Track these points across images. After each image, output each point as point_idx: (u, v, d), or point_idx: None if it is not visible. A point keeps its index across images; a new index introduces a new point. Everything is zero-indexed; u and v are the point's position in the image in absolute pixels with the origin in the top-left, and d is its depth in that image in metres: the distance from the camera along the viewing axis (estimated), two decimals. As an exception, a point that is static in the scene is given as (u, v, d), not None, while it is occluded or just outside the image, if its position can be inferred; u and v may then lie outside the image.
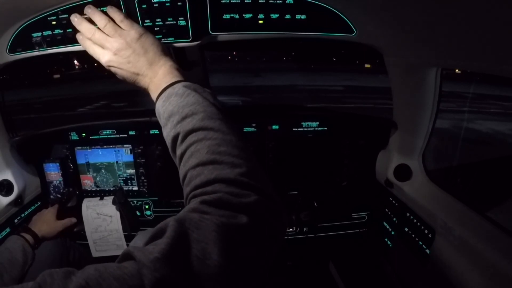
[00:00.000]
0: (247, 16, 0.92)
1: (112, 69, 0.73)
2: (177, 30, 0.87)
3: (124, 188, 1.50)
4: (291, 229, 1.59)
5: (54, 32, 0.86)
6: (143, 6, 0.82)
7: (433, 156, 4.52)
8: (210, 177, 0.50)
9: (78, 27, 0.73)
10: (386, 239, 1.49)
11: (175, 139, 0.60)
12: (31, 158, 1.43)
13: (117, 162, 1.48)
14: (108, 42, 0.70)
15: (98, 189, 1.52)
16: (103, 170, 1.49)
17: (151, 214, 1.57)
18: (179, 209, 1.52)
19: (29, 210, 1.38)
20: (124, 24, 0.72)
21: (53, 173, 1.46)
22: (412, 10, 0.79)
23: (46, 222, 1.21)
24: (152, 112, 0.70)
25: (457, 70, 1.00)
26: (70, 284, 0.35)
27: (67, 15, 0.83)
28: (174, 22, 0.85)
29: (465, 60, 0.82)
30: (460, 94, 10.39)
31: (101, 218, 1.34)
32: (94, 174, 1.50)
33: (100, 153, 1.47)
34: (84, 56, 0.77)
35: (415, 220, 1.25)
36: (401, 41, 0.99)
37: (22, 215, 1.33)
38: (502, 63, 0.71)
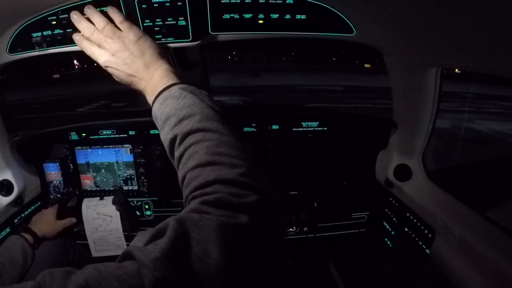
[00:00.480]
0: (247, 16, 0.92)
1: (109, 70, 0.73)
2: (177, 30, 0.87)
3: (124, 188, 1.50)
4: (291, 229, 1.59)
5: (54, 32, 0.86)
6: (143, 6, 0.82)
7: (433, 156, 4.52)
8: (209, 178, 0.50)
9: (77, 25, 0.73)
10: (386, 239, 1.49)
11: (172, 141, 0.60)
12: (31, 158, 1.43)
13: (117, 162, 1.48)
14: (106, 43, 0.71)
15: (98, 189, 1.52)
16: (103, 170, 1.49)
17: (151, 214, 1.57)
18: (179, 209, 1.52)
19: (29, 210, 1.38)
20: (123, 26, 0.72)
21: (53, 173, 1.46)
22: (412, 10, 0.79)
23: (46, 222, 1.21)
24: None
25: (457, 70, 1.00)
26: (70, 283, 0.35)
27: (67, 15, 0.83)
28: (174, 22, 0.85)
29: (465, 60, 0.82)
30: (460, 94, 10.39)
31: (101, 218, 1.34)
32: (94, 174, 1.50)
33: (100, 153, 1.47)
34: (84, 56, 0.77)
35: (415, 220, 1.25)
36: (401, 41, 0.99)
37: (22, 215, 1.33)
38: (502, 63, 0.71)
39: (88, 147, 1.47)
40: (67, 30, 0.85)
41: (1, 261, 0.97)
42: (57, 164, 1.45)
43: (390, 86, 1.24)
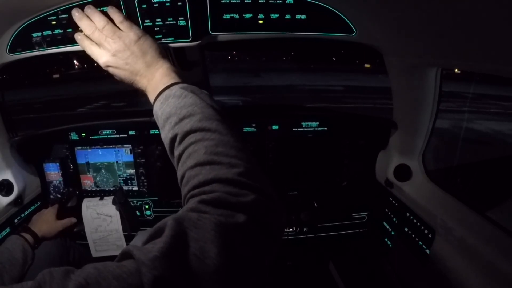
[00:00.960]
0: (247, 16, 0.92)
1: (110, 70, 0.73)
2: (177, 30, 0.87)
3: (124, 188, 1.50)
4: (291, 229, 1.59)
5: (54, 32, 0.86)
6: (143, 6, 0.82)
7: (433, 156, 4.52)
8: (208, 177, 0.50)
9: (78, 23, 0.74)
10: (386, 239, 1.49)
11: (173, 140, 0.60)
12: (31, 158, 1.43)
13: (117, 162, 1.49)
14: (107, 42, 0.71)
15: (98, 189, 1.52)
16: (103, 170, 1.50)
17: (151, 214, 1.57)
18: (179, 209, 1.52)
19: (29, 210, 1.38)
20: (124, 25, 0.72)
21: (53, 173, 1.47)
22: (412, 10, 0.79)
23: (46, 222, 1.21)
24: (152, 112, 0.71)
25: (457, 70, 1.00)
26: (70, 282, 0.35)
27: (67, 15, 0.83)
28: (174, 22, 0.85)
29: (465, 60, 0.82)
30: (460, 94, 10.39)
31: (101, 218, 1.34)
32: (94, 174, 1.50)
33: (100, 153, 1.47)
34: (84, 56, 0.77)
35: (415, 220, 1.25)
36: (401, 41, 0.99)
37: (22, 215, 1.33)
38: (502, 63, 0.71)
39: (88, 147, 1.47)
40: (67, 30, 0.85)
41: (1, 261, 0.97)
42: (57, 164, 1.45)
43: (390, 86, 1.24)
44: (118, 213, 1.33)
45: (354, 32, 0.99)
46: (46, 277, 0.37)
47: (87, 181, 1.51)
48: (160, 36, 0.87)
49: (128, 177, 1.51)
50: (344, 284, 1.47)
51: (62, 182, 1.47)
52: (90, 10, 0.73)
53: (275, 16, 0.92)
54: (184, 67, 1.09)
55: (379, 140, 1.46)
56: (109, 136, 1.44)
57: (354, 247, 1.67)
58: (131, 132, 1.44)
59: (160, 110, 0.65)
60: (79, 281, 0.35)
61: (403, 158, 1.33)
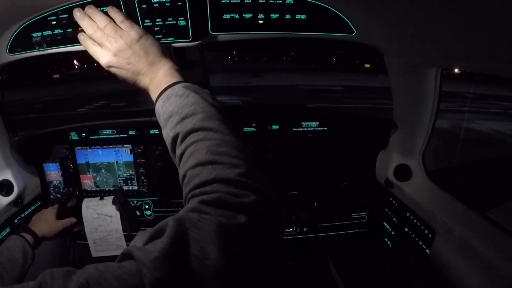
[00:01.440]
0: (247, 16, 0.92)
1: (112, 70, 0.73)
2: (177, 30, 0.87)
3: (124, 188, 1.50)
4: (291, 229, 1.59)
5: (54, 32, 0.86)
6: (143, 6, 0.82)
7: (433, 156, 4.52)
8: (209, 177, 0.50)
9: (80, 23, 0.74)
10: (386, 239, 1.50)
11: (174, 139, 0.60)
12: (31, 158, 1.43)
13: (117, 162, 1.49)
14: (108, 41, 0.71)
15: (98, 189, 1.52)
16: (103, 170, 1.49)
17: (151, 214, 1.57)
18: (179, 209, 1.52)
19: (29, 210, 1.38)
20: (124, 25, 0.72)
21: (53, 173, 1.47)
22: (412, 10, 0.79)
23: (46, 222, 1.21)
24: (152, 112, 0.71)
25: (457, 70, 1.00)
26: (71, 283, 0.35)
27: (67, 15, 0.83)
28: (174, 22, 0.85)
29: (465, 60, 0.82)
30: (460, 94, 10.39)
31: (101, 218, 1.34)
32: (94, 174, 1.50)
33: (100, 153, 1.47)
34: (84, 56, 0.77)
35: (415, 220, 1.25)
36: (401, 41, 0.99)
37: (22, 215, 1.33)
38: (502, 63, 0.71)
39: (88, 147, 1.47)
40: (67, 30, 0.85)
41: (1, 261, 0.97)
42: (57, 164, 1.45)
43: (390, 86, 1.24)
44: (118, 213, 1.33)
45: (354, 32, 0.99)
46: (47, 277, 0.37)
47: (87, 181, 1.51)
48: (160, 36, 0.87)
49: (128, 177, 1.51)
50: (344, 284, 1.47)
51: (62, 182, 1.47)
52: (91, 10, 0.73)
53: (275, 16, 0.92)
54: (184, 67, 1.09)
55: (379, 140, 1.46)
56: (109, 136, 1.44)
57: (354, 247, 1.67)
58: (131, 132, 1.44)
59: (162, 109, 0.65)
60: (80, 282, 0.35)
61: (403, 158, 1.33)
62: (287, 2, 0.91)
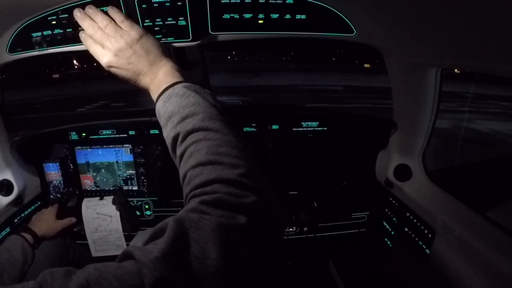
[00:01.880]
0: (247, 16, 0.92)
1: (112, 70, 0.73)
2: (177, 30, 0.87)
3: (124, 188, 1.50)
4: (291, 229, 1.59)
5: (54, 32, 0.86)
6: (143, 6, 0.82)
7: (433, 156, 4.51)
8: (209, 177, 0.50)
9: (80, 23, 0.74)
10: (386, 239, 1.50)
11: (175, 139, 0.60)
12: (31, 158, 1.43)
13: (117, 162, 1.49)
14: (109, 41, 0.71)
15: (98, 189, 1.52)
16: (103, 170, 1.49)
17: (151, 214, 1.57)
18: (179, 209, 1.52)
19: (29, 210, 1.38)
20: (125, 24, 0.72)
21: (53, 173, 1.47)
22: (412, 10, 0.79)
23: (46, 222, 1.21)
24: (152, 112, 0.71)
25: (457, 70, 1.00)
26: (71, 283, 0.35)
27: (67, 15, 0.83)
28: (174, 22, 0.85)
29: (465, 60, 0.82)
30: (460, 94, 10.39)
31: (101, 218, 1.34)
32: (94, 174, 1.50)
33: (100, 153, 1.47)
34: (84, 56, 0.77)
35: (415, 220, 1.25)
36: (401, 41, 0.99)
37: (22, 215, 1.33)
38: (502, 63, 0.71)
39: (88, 147, 1.47)
40: (67, 30, 0.85)
41: (1, 261, 0.97)
42: (57, 164, 1.45)
43: (390, 86, 1.24)
44: (118, 213, 1.33)
45: (354, 32, 0.99)
46: (47, 277, 0.37)
47: (87, 181, 1.51)
48: (160, 36, 0.87)
49: (128, 177, 1.51)
50: (344, 284, 1.48)
51: (62, 182, 1.47)
52: (91, 10, 0.73)
53: (275, 16, 0.92)
54: (184, 67, 1.09)
55: (379, 140, 1.46)
56: (109, 136, 1.44)
57: (354, 247, 1.67)
58: (131, 132, 1.44)
59: (162, 109, 0.65)
60: (80, 282, 0.35)
61: (403, 158, 1.33)
62: (287, 2, 0.91)
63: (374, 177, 1.53)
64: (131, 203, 1.53)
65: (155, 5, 0.82)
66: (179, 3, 0.83)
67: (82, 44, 0.76)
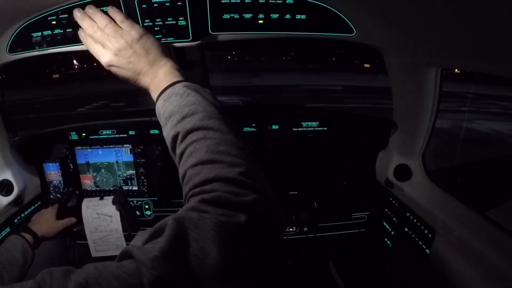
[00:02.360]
0: (247, 16, 0.92)
1: (113, 69, 0.73)
2: (177, 30, 0.87)
3: (124, 188, 1.50)
4: (291, 229, 1.59)
5: (54, 32, 0.87)
6: (143, 6, 0.82)
7: (433, 156, 4.51)
8: (209, 176, 0.50)
9: (80, 23, 0.74)
10: (386, 239, 1.49)
11: (175, 138, 0.60)
12: (31, 158, 1.43)
13: (117, 162, 1.48)
14: (109, 41, 0.71)
15: (98, 189, 1.52)
16: (103, 170, 1.49)
17: (151, 214, 1.57)
18: (179, 209, 1.52)
19: (29, 210, 1.38)
20: (125, 24, 0.72)
21: (53, 173, 1.47)
22: (412, 10, 0.79)
23: (46, 222, 1.21)
24: (152, 112, 0.71)
25: (457, 70, 1.00)
26: (70, 282, 0.35)
27: (67, 15, 0.83)
28: (174, 22, 0.85)
29: (465, 60, 0.82)
30: (460, 94, 10.39)
31: (101, 218, 1.34)
32: (94, 174, 1.50)
33: (100, 153, 1.47)
34: (84, 56, 0.77)
35: (415, 220, 1.25)
36: (401, 41, 0.99)
37: (22, 215, 1.33)
38: (502, 63, 0.71)
39: (88, 147, 1.47)
40: (67, 30, 0.85)
41: (1, 261, 0.97)
42: (57, 164, 1.45)
43: (390, 86, 1.24)
44: (118, 213, 1.33)
45: (354, 32, 0.99)
46: (46, 277, 0.37)
47: (87, 181, 1.51)
48: (160, 36, 0.87)
49: (128, 177, 1.51)
50: (344, 284, 1.47)
51: (62, 182, 1.47)
52: (91, 10, 0.73)
53: (275, 16, 0.93)
54: (184, 67, 1.09)
55: (379, 140, 1.46)
56: (109, 136, 1.44)
57: (354, 247, 1.67)
58: (131, 132, 1.44)
59: (162, 108, 0.65)
60: (79, 281, 0.35)
61: (403, 158, 1.33)
62: (287, 2, 0.91)
63: (374, 177, 1.53)
64: (131, 203, 1.53)
65: (155, 5, 0.82)
66: (179, 3, 0.83)
67: (82, 44, 0.76)
